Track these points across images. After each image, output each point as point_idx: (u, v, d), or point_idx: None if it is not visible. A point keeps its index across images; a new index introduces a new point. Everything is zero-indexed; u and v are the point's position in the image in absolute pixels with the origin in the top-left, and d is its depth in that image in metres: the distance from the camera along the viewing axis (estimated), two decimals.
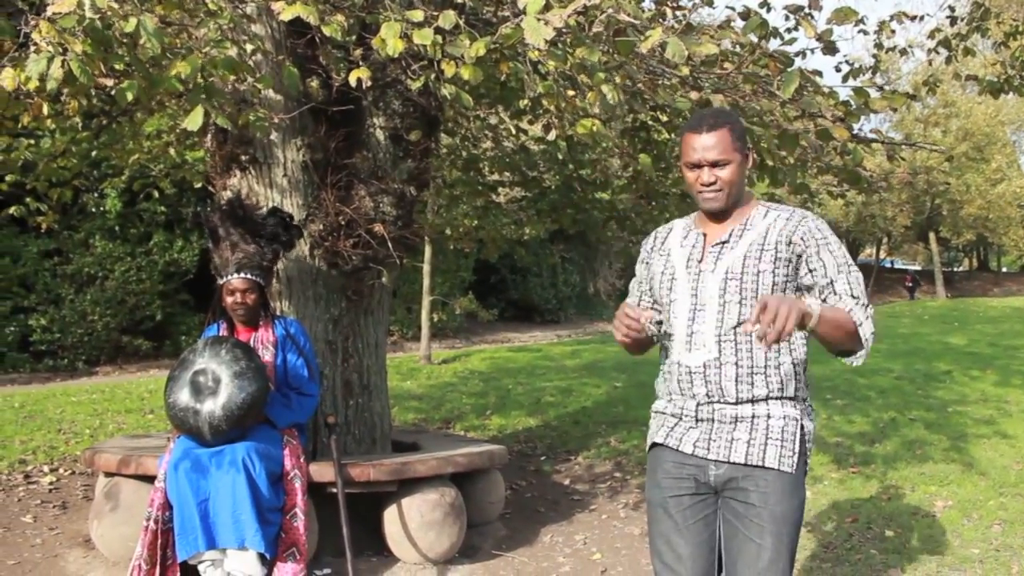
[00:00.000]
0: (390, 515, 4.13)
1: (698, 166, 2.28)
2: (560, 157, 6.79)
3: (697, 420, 2.31)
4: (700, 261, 2.33)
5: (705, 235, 2.36)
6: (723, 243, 2.32)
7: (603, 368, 11.29)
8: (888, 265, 44.37)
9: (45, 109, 2.74)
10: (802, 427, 2.30)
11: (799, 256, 2.27)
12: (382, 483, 4.05)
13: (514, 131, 6.28)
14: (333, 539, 4.08)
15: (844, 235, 36.90)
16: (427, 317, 12.84)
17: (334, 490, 3.86)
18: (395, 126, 4.59)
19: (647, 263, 2.50)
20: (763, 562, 2.20)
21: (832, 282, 2.24)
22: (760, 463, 2.22)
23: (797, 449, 2.26)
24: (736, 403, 2.27)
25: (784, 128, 3.83)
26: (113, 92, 2.71)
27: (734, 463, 2.25)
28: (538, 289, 20.25)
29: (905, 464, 6.05)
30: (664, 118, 5.66)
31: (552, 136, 3.57)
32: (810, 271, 2.27)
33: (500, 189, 7.43)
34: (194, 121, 2.65)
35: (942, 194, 30.99)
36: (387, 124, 4.59)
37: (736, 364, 2.25)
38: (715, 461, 2.28)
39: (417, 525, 4.07)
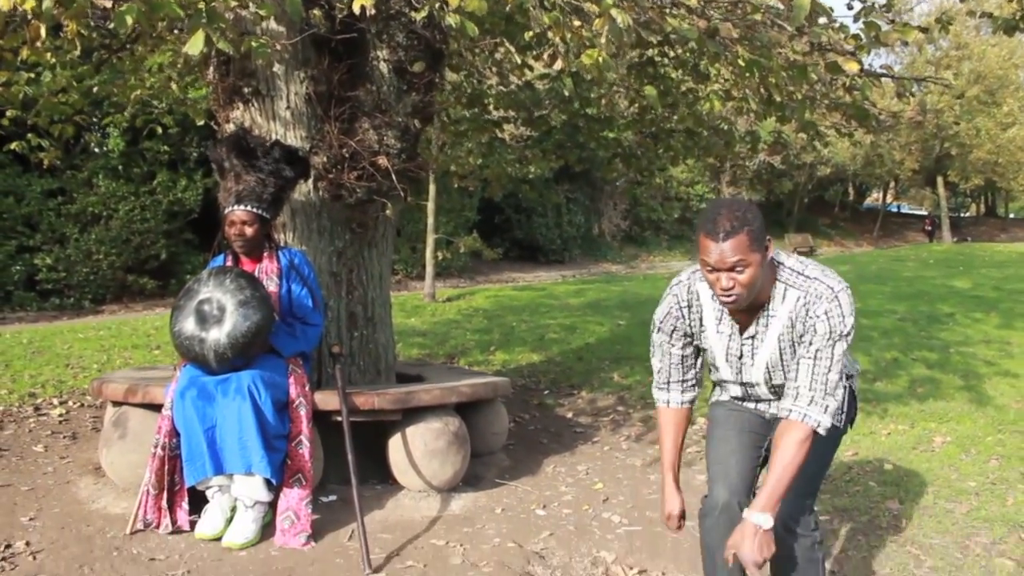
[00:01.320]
0: (394, 444, 4.19)
1: (716, 270, 2.29)
2: (566, 94, 6.72)
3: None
4: (740, 357, 2.54)
5: (739, 325, 2.50)
6: (752, 337, 2.49)
7: (607, 307, 11.34)
8: (895, 210, 44.13)
9: (43, 32, 2.71)
10: (851, 390, 2.67)
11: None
12: (386, 412, 4.09)
13: (519, 61, 6.17)
14: (338, 468, 4.15)
15: (851, 179, 36.66)
16: (431, 256, 12.87)
17: (339, 418, 3.90)
18: (399, 59, 4.55)
19: (687, 331, 2.60)
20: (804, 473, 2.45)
21: (798, 364, 2.39)
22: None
23: (846, 409, 2.63)
24: None
25: (793, 60, 3.78)
26: (112, 19, 2.67)
27: None
28: (543, 229, 20.23)
29: (906, 401, 6.10)
30: (672, 53, 5.60)
31: (558, 66, 3.53)
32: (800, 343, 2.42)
33: (505, 126, 7.37)
34: (195, 46, 2.62)
35: (951, 138, 30.68)
36: (391, 57, 4.54)
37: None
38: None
39: (421, 453, 4.13)
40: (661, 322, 2.60)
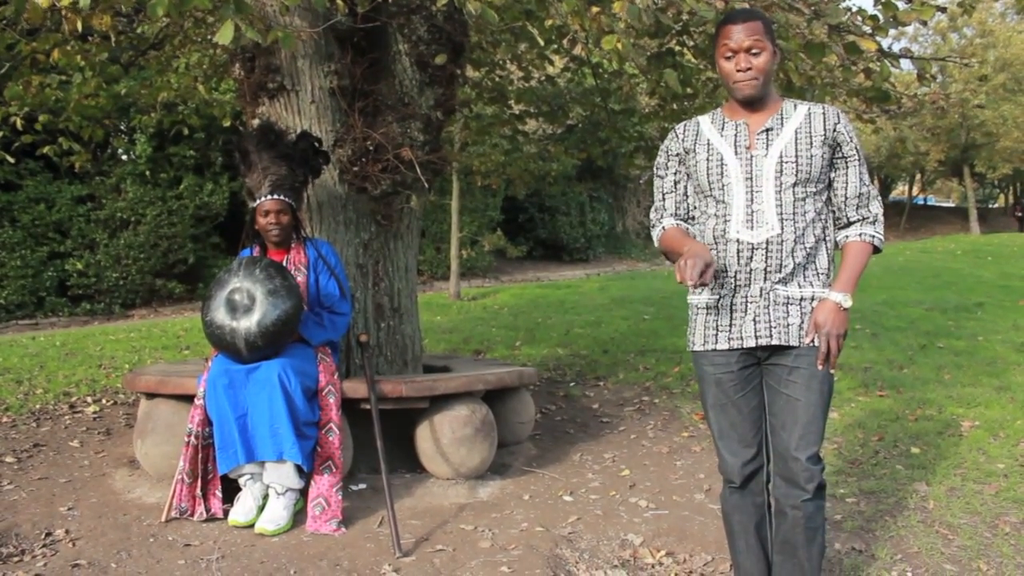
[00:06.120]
0: (422, 432, 4.24)
1: (735, 52, 2.48)
2: (586, 87, 6.74)
3: (747, 305, 2.55)
4: (749, 147, 2.54)
5: (747, 124, 2.55)
6: (768, 130, 2.53)
7: (632, 301, 11.34)
8: (921, 203, 43.67)
9: (79, 25, 2.78)
10: None
11: (838, 145, 2.53)
12: (414, 399, 4.13)
13: (542, 43, 6.13)
14: (367, 457, 4.21)
15: (876, 171, 36.31)
16: (456, 254, 12.95)
17: (367, 407, 3.95)
18: (420, 52, 4.60)
19: (682, 156, 2.67)
20: (807, 416, 2.53)
21: (846, 200, 2.57)
22: (812, 343, 2.53)
23: None
24: (790, 278, 2.51)
25: (810, 39, 3.79)
26: (145, 13, 2.74)
27: (789, 345, 2.53)
28: (566, 228, 20.23)
29: (933, 388, 6.07)
30: (691, 42, 5.61)
31: (577, 51, 3.57)
32: (836, 174, 2.57)
33: (527, 119, 7.41)
34: (225, 35, 2.68)
35: (977, 127, 30.27)
36: (412, 50, 4.60)
37: (795, 241, 2.50)
38: (767, 347, 2.56)
39: (449, 441, 4.17)
40: (660, 156, 2.72)
